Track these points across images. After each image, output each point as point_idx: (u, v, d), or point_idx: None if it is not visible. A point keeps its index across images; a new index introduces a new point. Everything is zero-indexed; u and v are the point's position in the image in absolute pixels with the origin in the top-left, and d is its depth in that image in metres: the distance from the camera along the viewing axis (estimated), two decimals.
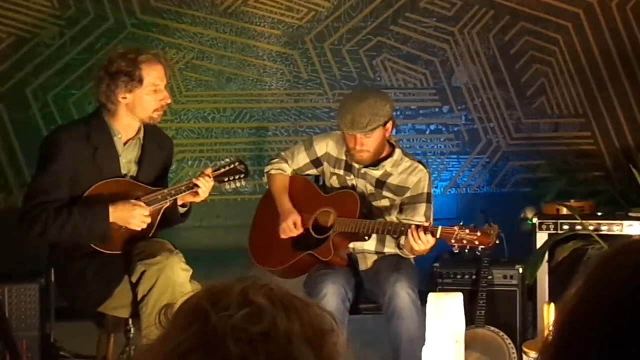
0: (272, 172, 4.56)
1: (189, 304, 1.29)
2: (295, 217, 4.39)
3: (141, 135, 4.15)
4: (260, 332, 1.22)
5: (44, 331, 4.75)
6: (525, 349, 4.41)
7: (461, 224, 4.03)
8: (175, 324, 1.28)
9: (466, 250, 4.03)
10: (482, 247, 4.00)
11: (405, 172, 4.39)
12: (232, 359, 1.21)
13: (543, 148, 6.41)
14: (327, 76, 6.26)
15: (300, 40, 6.23)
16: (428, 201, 4.36)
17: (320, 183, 4.58)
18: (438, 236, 4.03)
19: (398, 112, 6.34)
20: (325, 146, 4.46)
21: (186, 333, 1.24)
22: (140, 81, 4.00)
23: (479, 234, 3.98)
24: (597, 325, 1.20)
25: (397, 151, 4.41)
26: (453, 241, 4.01)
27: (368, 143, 4.26)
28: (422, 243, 4.02)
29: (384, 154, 4.39)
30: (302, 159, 4.52)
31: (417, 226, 4.05)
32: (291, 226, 4.39)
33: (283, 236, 4.40)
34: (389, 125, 4.28)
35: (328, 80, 6.26)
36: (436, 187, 6.25)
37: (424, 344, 3.19)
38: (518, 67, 6.39)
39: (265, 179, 4.64)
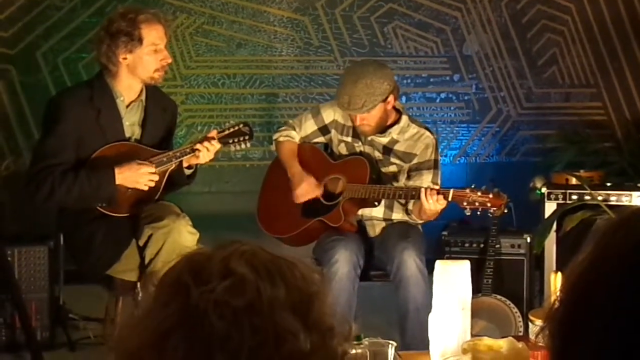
0: (281, 139, 4.54)
1: (169, 276, 1.26)
2: (310, 180, 4.38)
3: (143, 97, 4.15)
4: (243, 305, 1.20)
5: (53, 294, 4.79)
6: (531, 317, 4.42)
7: (473, 186, 4.04)
8: (158, 299, 1.25)
9: (478, 213, 4.03)
10: (494, 208, 4.00)
11: (412, 139, 4.38)
12: (215, 335, 1.19)
13: (553, 118, 6.39)
14: (337, 43, 6.23)
15: (311, 7, 6.20)
16: (435, 167, 4.36)
17: (329, 151, 4.57)
18: (450, 199, 4.03)
19: (409, 80, 6.33)
20: (332, 113, 4.44)
21: (168, 309, 1.22)
22: (140, 41, 3.99)
23: (491, 196, 4.00)
24: (603, 293, 1.20)
25: (404, 118, 4.40)
26: (465, 204, 4.01)
27: (368, 118, 4.25)
28: (434, 203, 4.02)
29: (390, 121, 4.38)
30: (309, 126, 4.51)
31: (430, 188, 4.06)
32: (307, 189, 4.37)
33: (300, 200, 4.37)
34: (391, 98, 4.25)
35: (339, 47, 6.24)
36: (445, 156, 6.25)
37: (430, 312, 3.20)
38: (530, 36, 6.36)
39: (273, 147, 4.63)
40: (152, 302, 1.26)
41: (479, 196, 4.01)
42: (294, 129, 4.53)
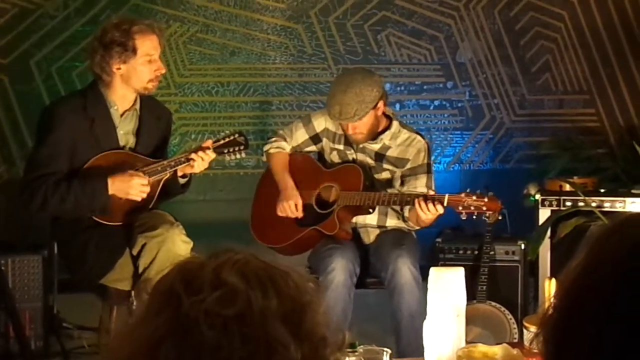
0: (272, 151, 4.53)
1: (162, 285, 1.27)
2: (297, 199, 4.36)
3: (138, 106, 4.14)
4: (234, 314, 1.20)
5: (47, 303, 4.77)
6: (526, 324, 4.42)
7: (468, 191, 4.03)
8: (150, 307, 1.26)
9: (474, 217, 4.02)
10: (490, 212, 3.99)
11: (403, 144, 4.38)
12: (206, 345, 1.20)
13: (547, 125, 6.41)
14: (331, 51, 6.24)
15: (304, 14, 6.21)
16: (429, 172, 4.36)
17: (324, 158, 4.56)
18: (446, 204, 4.02)
19: (402, 88, 6.34)
20: (324, 121, 4.44)
21: (160, 318, 1.23)
22: (134, 51, 3.99)
23: (486, 199, 3.99)
24: (596, 299, 1.20)
25: (395, 123, 4.40)
26: (461, 208, 4.00)
27: (360, 126, 4.25)
28: (431, 213, 4.02)
29: (381, 128, 4.38)
30: (300, 135, 4.50)
31: (424, 196, 4.05)
32: (292, 207, 4.35)
33: (280, 214, 4.38)
34: (380, 104, 4.25)
35: (332, 55, 6.24)
36: (439, 163, 6.25)
37: (425, 319, 3.19)
38: (523, 43, 6.37)
39: (264, 158, 4.62)
40: (144, 311, 1.26)
41: (474, 200, 4.00)
42: (285, 139, 4.52)
